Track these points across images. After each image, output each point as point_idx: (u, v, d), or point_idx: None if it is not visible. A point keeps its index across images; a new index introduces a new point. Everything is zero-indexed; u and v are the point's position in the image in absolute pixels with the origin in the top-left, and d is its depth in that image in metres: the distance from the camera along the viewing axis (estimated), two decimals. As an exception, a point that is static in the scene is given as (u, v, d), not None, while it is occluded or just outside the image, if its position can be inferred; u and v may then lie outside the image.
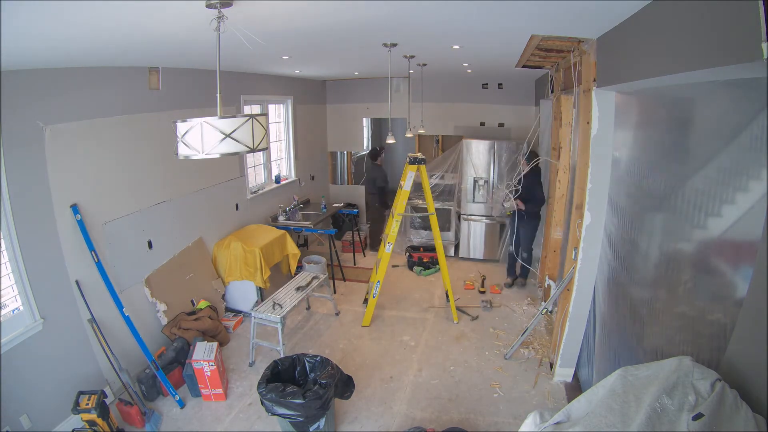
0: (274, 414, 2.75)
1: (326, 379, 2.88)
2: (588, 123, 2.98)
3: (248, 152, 1.73)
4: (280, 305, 3.95)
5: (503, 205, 5.04)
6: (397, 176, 10.03)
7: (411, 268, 5.96)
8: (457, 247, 6.40)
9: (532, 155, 4.93)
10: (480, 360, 3.95)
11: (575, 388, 3.45)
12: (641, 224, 2.36)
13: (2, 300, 2.71)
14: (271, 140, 5.85)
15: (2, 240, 2.74)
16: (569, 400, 2.95)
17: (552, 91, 4.62)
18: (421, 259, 5.97)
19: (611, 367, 2.64)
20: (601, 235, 3.06)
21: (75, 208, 3.15)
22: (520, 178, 4.86)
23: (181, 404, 3.38)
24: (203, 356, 3.35)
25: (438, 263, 5.83)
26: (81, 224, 3.17)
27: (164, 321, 3.85)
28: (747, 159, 1.41)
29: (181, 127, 1.64)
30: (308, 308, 4.92)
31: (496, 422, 3.19)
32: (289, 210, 5.84)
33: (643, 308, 2.23)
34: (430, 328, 4.52)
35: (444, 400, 3.43)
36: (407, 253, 6.15)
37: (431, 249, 6.14)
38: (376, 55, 3.67)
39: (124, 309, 3.42)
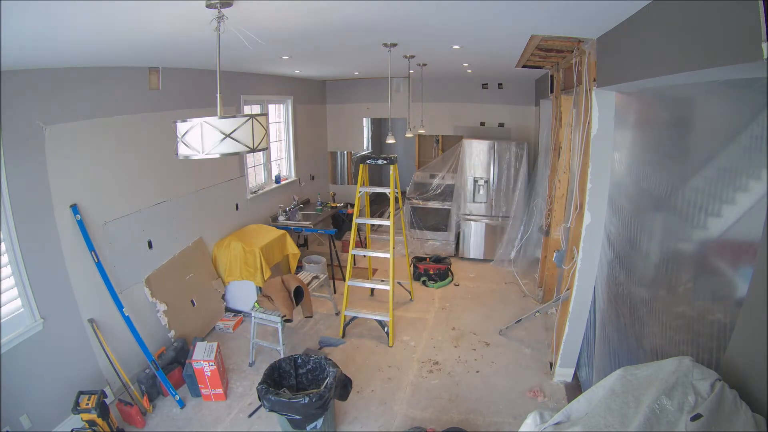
0: (272, 410, 2.76)
1: (327, 380, 2.89)
2: (588, 123, 2.98)
3: (248, 152, 1.73)
4: (280, 305, 3.95)
5: None
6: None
7: (417, 279, 5.63)
8: (457, 247, 6.40)
9: None
10: (480, 360, 3.95)
11: (575, 388, 3.45)
12: (641, 224, 2.36)
13: (2, 300, 2.71)
14: (271, 140, 5.85)
15: (2, 240, 2.74)
16: (569, 400, 2.95)
17: (552, 91, 4.62)
18: (428, 270, 5.63)
19: (611, 367, 2.64)
20: (601, 235, 3.06)
21: (75, 208, 3.15)
22: None
23: (181, 404, 3.38)
24: (203, 356, 3.35)
25: (448, 275, 5.64)
26: (81, 224, 3.17)
27: (164, 321, 3.85)
28: (747, 159, 1.41)
29: (181, 127, 1.64)
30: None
31: (496, 422, 3.19)
32: (289, 210, 5.84)
33: (643, 308, 2.23)
34: (430, 328, 4.52)
35: (444, 400, 3.43)
36: (412, 264, 5.76)
37: (438, 260, 5.87)
38: (376, 55, 3.67)
39: (124, 309, 3.42)
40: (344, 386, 3.07)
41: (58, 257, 3.06)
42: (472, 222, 6.21)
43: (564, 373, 3.57)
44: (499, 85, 6.76)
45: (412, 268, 5.67)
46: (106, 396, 2.99)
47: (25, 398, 2.80)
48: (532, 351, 4.05)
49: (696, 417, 1.13)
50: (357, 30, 2.59)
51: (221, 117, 1.64)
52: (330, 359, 3.11)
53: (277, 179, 6.02)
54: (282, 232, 5.06)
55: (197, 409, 3.37)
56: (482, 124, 6.97)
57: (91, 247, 3.23)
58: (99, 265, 3.28)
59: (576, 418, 1.41)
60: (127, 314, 3.43)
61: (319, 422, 2.82)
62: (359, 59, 4.32)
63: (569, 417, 1.43)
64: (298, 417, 2.73)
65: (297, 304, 4.07)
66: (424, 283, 5.55)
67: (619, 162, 2.82)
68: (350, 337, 4.37)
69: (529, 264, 5.91)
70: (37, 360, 2.89)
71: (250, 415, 3.27)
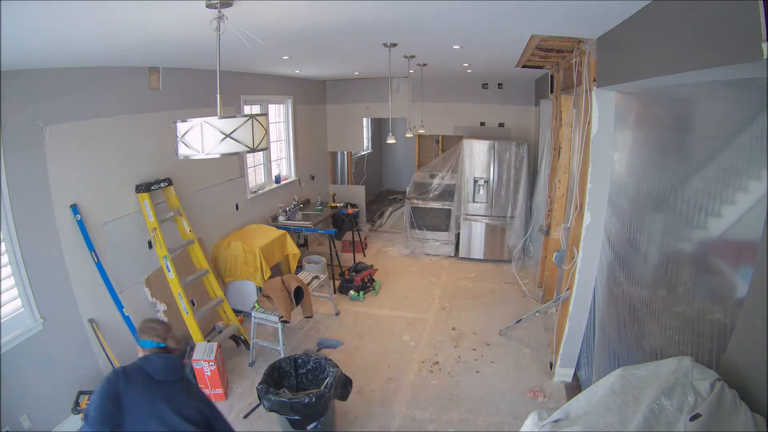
0: (272, 410, 2.76)
1: (327, 380, 2.89)
2: (588, 123, 2.98)
3: (248, 152, 1.73)
4: (280, 305, 3.95)
5: None
6: (397, 176, 10.11)
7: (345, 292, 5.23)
8: (457, 247, 6.41)
9: None
10: (480, 360, 3.95)
11: (575, 388, 3.45)
12: (641, 224, 2.36)
13: (2, 300, 2.71)
14: (271, 140, 5.84)
15: (2, 240, 2.74)
16: (569, 400, 2.95)
17: (552, 91, 4.62)
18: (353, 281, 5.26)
19: (611, 367, 2.64)
20: (601, 235, 3.06)
21: (75, 208, 3.15)
22: None
23: (181, 404, 3.37)
24: (203, 356, 3.35)
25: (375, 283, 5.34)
26: (81, 224, 3.17)
27: (164, 321, 3.85)
28: (747, 159, 1.41)
29: (181, 127, 1.64)
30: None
31: (496, 422, 3.19)
32: (289, 210, 5.84)
33: (643, 308, 2.23)
34: (430, 328, 4.52)
35: (444, 400, 3.43)
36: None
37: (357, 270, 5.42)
38: (376, 55, 3.67)
39: (124, 309, 3.42)
40: (344, 386, 3.07)
41: (59, 257, 3.06)
42: (472, 222, 6.21)
43: (564, 373, 3.57)
44: (499, 85, 6.75)
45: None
46: (106, 396, 2.99)
47: (25, 398, 2.80)
48: (532, 351, 4.04)
49: (695, 417, 1.13)
50: (357, 30, 2.59)
51: (221, 117, 1.64)
52: (330, 359, 3.11)
53: (277, 179, 6.02)
54: (282, 232, 5.06)
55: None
56: (482, 124, 6.96)
57: (91, 247, 3.23)
58: (99, 265, 3.29)
59: (575, 416, 1.41)
60: (127, 314, 3.43)
61: (319, 422, 2.82)
62: (359, 59, 4.32)
63: (568, 415, 1.43)
64: (297, 417, 2.73)
65: (297, 304, 4.08)
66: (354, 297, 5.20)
67: (619, 162, 2.82)
68: (350, 337, 4.37)
69: (530, 264, 5.91)
70: (37, 360, 2.89)
71: (246, 416, 3.26)
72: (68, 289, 3.13)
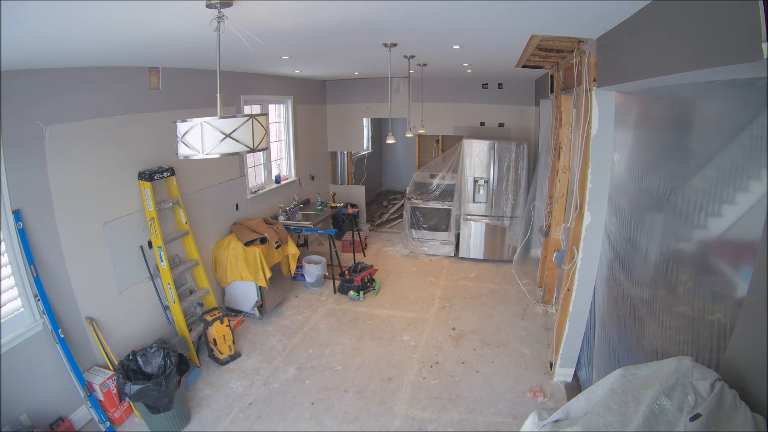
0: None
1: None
2: (588, 123, 2.98)
3: (248, 152, 1.73)
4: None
5: None
6: (397, 176, 10.11)
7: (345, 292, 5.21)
8: (456, 247, 6.41)
9: None
10: (480, 360, 3.95)
11: (575, 388, 3.45)
12: (641, 224, 2.36)
13: (2, 300, 2.71)
14: (271, 140, 5.84)
15: (2, 240, 2.74)
16: (569, 400, 2.95)
17: (552, 91, 4.62)
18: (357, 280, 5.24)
19: (611, 367, 2.64)
20: (601, 235, 3.06)
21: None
22: None
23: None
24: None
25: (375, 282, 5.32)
26: (22, 233, 2.88)
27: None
28: (747, 159, 1.41)
29: (181, 127, 1.64)
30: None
31: (496, 422, 3.19)
32: (289, 210, 5.84)
33: (643, 308, 2.23)
34: (430, 328, 4.52)
35: (444, 400, 3.43)
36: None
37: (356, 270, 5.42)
38: (376, 55, 3.67)
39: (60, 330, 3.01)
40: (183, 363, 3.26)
41: (59, 257, 3.06)
42: (472, 222, 6.21)
43: (564, 373, 3.57)
44: (499, 85, 6.76)
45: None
46: (106, 396, 2.99)
47: (25, 397, 2.80)
48: (532, 351, 4.05)
49: (695, 417, 1.13)
50: (357, 30, 2.59)
51: (221, 117, 1.64)
52: (165, 346, 3.27)
53: (277, 179, 6.02)
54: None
55: (197, 410, 3.37)
56: (482, 124, 6.97)
57: (30, 260, 2.88)
58: (37, 281, 2.92)
59: (575, 416, 1.41)
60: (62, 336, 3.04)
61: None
62: (359, 59, 4.32)
63: (568, 415, 1.43)
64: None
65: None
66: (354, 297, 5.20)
67: (619, 162, 2.82)
68: (350, 337, 4.37)
69: (530, 264, 5.91)
70: (37, 360, 2.89)
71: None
72: (68, 288, 3.12)
